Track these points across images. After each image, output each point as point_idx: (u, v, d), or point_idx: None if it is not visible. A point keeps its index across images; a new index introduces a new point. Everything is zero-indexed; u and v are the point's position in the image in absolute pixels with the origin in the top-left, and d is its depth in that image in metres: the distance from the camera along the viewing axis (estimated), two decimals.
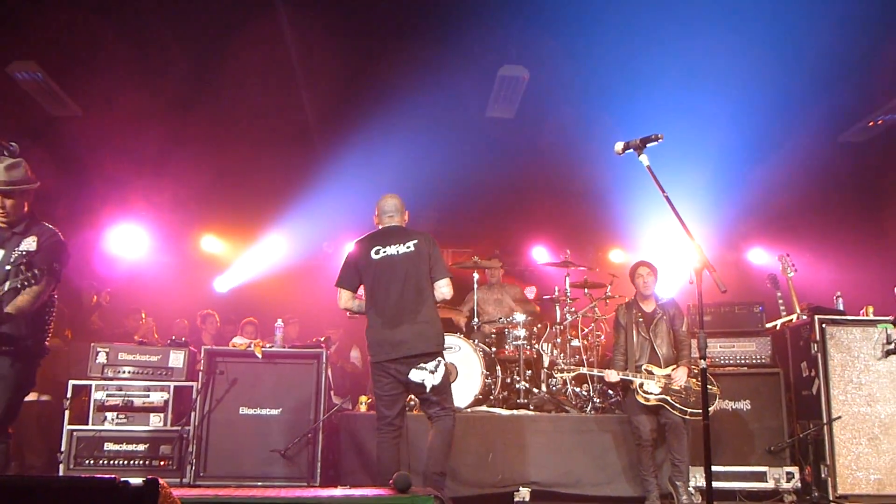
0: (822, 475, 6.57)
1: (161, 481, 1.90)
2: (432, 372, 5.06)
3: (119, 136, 8.59)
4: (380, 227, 5.49)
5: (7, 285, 4.29)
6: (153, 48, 7.52)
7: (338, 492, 3.13)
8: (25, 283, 4.25)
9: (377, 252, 5.27)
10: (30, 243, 4.49)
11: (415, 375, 5.05)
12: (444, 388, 5.19)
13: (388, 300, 5.19)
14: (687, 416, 6.23)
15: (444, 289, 5.27)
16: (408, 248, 5.26)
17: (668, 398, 6.25)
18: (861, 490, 6.49)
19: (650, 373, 6.37)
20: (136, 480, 1.83)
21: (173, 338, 7.02)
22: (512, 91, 8.13)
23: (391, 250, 5.26)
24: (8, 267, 4.38)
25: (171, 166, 9.04)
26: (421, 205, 10.73)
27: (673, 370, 6.35)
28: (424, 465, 5.21)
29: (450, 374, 5.37)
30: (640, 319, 6.56)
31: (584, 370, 6.68)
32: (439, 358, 5.16)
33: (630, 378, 6.36)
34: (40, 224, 4.65)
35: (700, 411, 5.93)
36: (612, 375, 6.42)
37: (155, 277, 10.07)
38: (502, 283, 8.92)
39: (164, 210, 9.92)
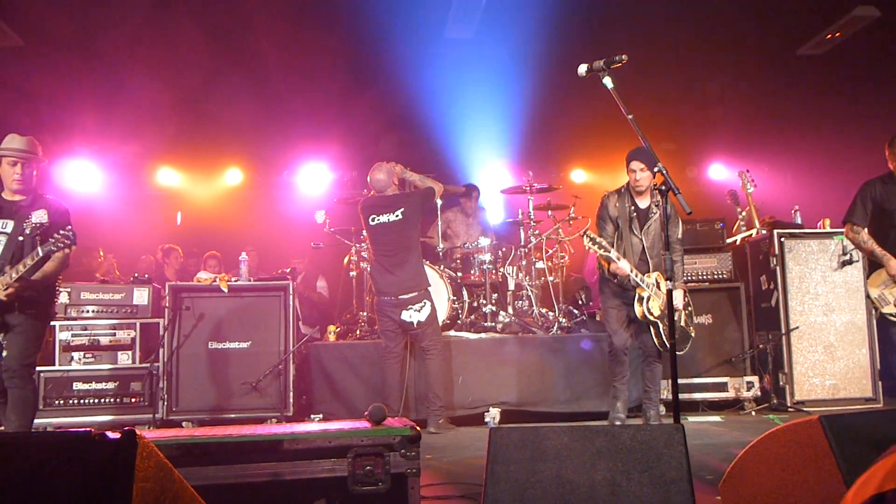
0: (781, 383, 6.82)
1: (139, 431, 1.88)
2: (418, 311, 6.17)
3: (65, 66, 8.24)
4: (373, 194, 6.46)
5: (41, 250, 4.57)
6: None
7: (313, 426, 3.17)
8: (60, 245, 4.53)
9: (373, 220, 6.30)
10: (41, 216, 4.83)
11: (405, 315, 6.18)
12: (430, 323, 6.25)
13: (383, 257, 6.27)
14: (666, 350, 5.70)
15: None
16: (396, 216, 6.22)
17: (660, 325, 5.68)
18: (817, 395, 6.77)
19: (658, 287, 5.68)
20: (113, 434, 1.81)
21: (136, 275, 6.92)
22: (471, 9, 7.95)
23: (383, 218, 6.26)
24: (21, 238, 4.72)
25: (122, 98, 8.73)
26: (382, 129, 10.62)
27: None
28: (423, 389, 6.36)
29: (436, 312, 6.36)
30: (634, 215, 5.73)
31: (611, 254, 5.44)
32: (425, 300, 6.23)
33: (640, 283, 5.59)
34: (46, 198, 5.00)
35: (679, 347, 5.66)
36: (625, 267, 5.48)
37: (110, 213, 9.84)
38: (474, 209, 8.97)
39: (116, 143, 9.62)
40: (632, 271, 5.51)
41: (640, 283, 5.57)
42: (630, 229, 5.70)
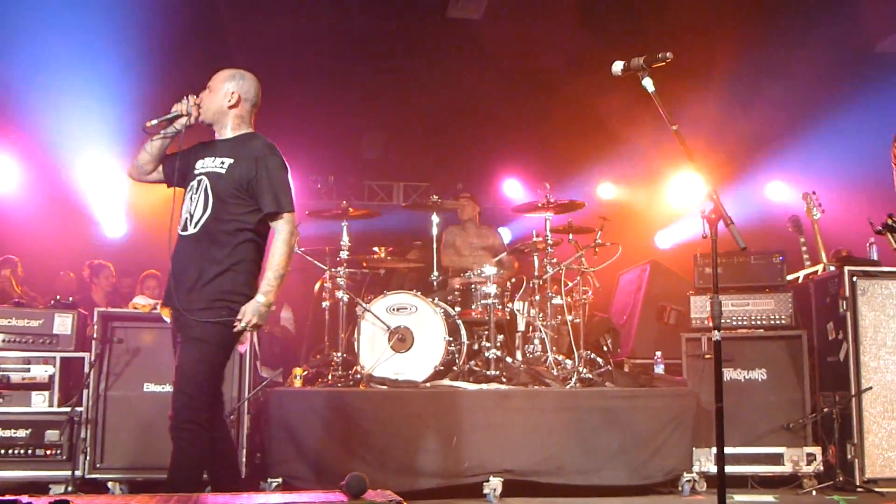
0: (849, 456, 6.82)
1: (72, 501, 1.92)
2: None
3: None
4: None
5: None
6: None
7: (275, 497, 3.19)
8: None
9: None
10: None
11: None
12: None
13: None
14: None
15: None
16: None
17: None
18: (893, 473, 6.75)
19: None
20: (40, 502, 1.85)
21: (58, 297, 6.92)
22: None
23: None
24: None
25: None
26: (363, 126, 10.68)
27: None
28: None
29: None
30: None
31: None
32: None
33: None
34: None
35: None
36: None
37: (22, 216, 9.85)
38: (478, 225, 9.00)
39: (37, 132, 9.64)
40: None
41: None
42: None
